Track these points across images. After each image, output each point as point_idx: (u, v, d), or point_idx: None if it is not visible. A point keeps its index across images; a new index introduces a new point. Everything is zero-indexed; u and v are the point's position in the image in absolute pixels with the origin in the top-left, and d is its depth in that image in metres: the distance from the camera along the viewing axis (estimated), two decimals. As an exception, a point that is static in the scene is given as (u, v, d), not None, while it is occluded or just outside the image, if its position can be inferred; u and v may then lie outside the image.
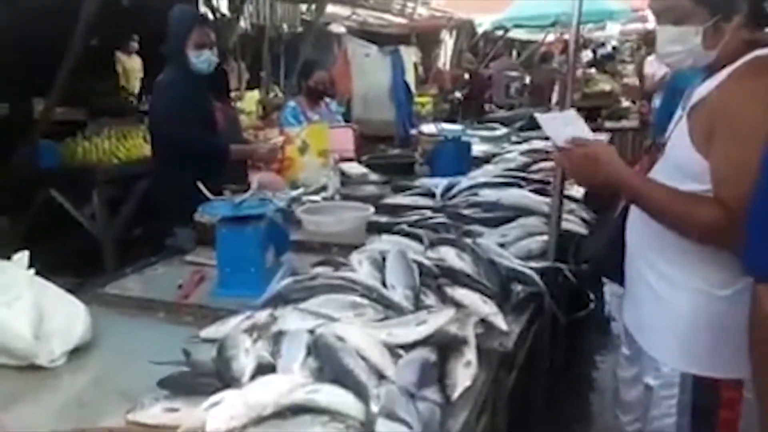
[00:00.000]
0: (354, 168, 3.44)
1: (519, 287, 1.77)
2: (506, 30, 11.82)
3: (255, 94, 8.25)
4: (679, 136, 1.49)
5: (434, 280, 1.66)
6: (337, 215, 2.39)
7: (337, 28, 9.06)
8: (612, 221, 1.75)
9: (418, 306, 1.50)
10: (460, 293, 1.63)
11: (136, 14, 5.18)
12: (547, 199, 2.58)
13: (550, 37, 12.73)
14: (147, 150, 4.43)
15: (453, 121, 7.69)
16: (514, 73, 9.69)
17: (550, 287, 1.88)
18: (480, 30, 11.27)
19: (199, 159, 2.75)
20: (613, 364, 2.06)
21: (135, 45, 6.70)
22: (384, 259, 1.70)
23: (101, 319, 1.66)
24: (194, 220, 2.20)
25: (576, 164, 1.54)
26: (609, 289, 3.45)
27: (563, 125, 1.59)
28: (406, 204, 2.79)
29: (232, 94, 6.79)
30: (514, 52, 14.55)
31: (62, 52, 3.85)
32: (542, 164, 3.43)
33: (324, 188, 3.07)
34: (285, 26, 8.62)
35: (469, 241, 2.00)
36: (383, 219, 2.54)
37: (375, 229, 2.46)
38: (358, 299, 1.45)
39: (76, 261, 4.39)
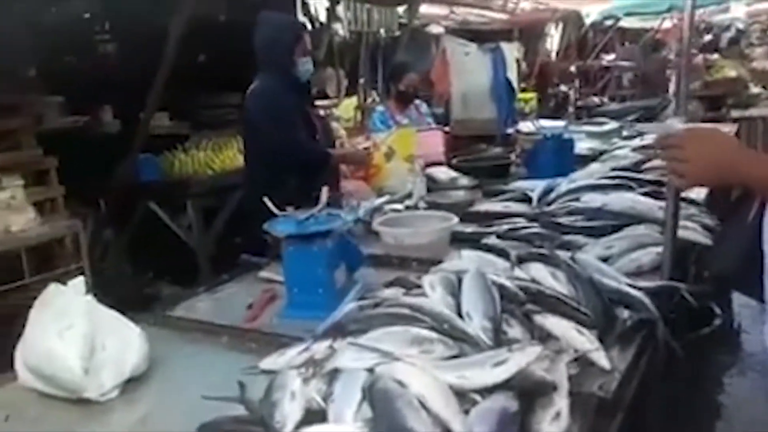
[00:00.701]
0: (443, 172, 3.23)
1: (626, 313, 1.48)
2: (617, 19, 11.05)
3: (353, 101, 8.23)
4: None
5: (520, 307, 1.41)
6: (417, 226, 2.19)
7: (436, 29, 8.85)
8: (743, 228, 1.41)
9: (499, 340, 1.27)
10: (552, 322, 1.37)
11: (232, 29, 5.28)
12: (662, 204, 2.24)
13: (667, 24, 11.77)
14: (241, 161, 4.49)
15: (558, 117, 7.26)
16: (626, 64, 9.02)
17: (664, 310, 1.57)
18: (588, 21, 10.59)
19: (303, 166, 2.82)
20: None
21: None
22: (460, 280, 1.48)
23: (162, 344, 1.57)
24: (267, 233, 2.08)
25: (692, 148, 1.19)
26: (737, 298, 2.98)
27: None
28: (497, 211, 2.54)
29: (331, 101, 6.79)
30: (626, 43, 13.62)
31: (169, 69, 3.95)
32: (657, 161, 3.04)
33: (409, 195, 2.89)
34: (383, 31, 8.55)
35: (565, 255, 1.73)
36: (469, 229, 2.31)
37: (460, 240, 2.24)
38: (426, 333, 1.23)
39: (175, 272, 4.52)
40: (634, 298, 1.48)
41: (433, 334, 1.23)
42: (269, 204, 1.78)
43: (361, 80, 8.48)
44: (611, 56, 11.79)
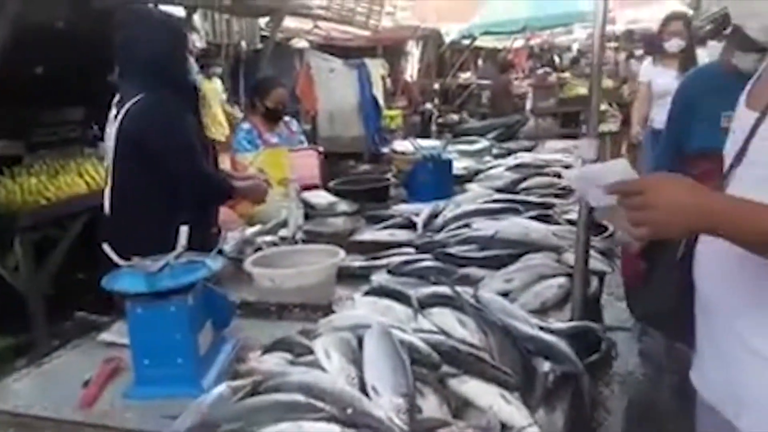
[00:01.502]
0: (320, 197, 2.95)
1: (546, 365, 1.30)
2: (474, 38, 11.50)
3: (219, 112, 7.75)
4: None
5: (434, 371, 1.17)
6: (297, 264, 1.89)
7: (300, 43, 8.60)
8: (670, 268, 1.28)
9: (414, 420, 1.02)
10: (472, 388, 1.15)
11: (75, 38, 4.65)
12: (555, 228, 2.14)
13: (518, 43, 12.46)
14: (82, 186, 3.90)
15: (426, 135, 7.30)
16: (484, 82, 9.34)
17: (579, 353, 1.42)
18: (447, 39, 10.90)
19: (201, 200, 2.30)
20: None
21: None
22: (360, 340, 1.21)
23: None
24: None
25: (654, 194, 1.00)
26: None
27: (603, 177, 1.09)
28: (383, 241, 2.32)
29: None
30: (480, 61, 14.26)
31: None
32: (533, 180, 3.00)
33: (284, 225, 2.58)
34: (244, 44, 8.15)
35: (467, 294, 1.53)
36: (357, 263, 2.06)
37: (347, 276, 1.98)
38: (326, 428, 0.95)
39: (2, 321, 3.82)
40: (555, 348, 1.31)
41: (335, 428, 0.95)
42: (108, 251, 1.40)
43: (224, 95, 8.01)
44: (468, 74, 12.25)
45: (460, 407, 1.16)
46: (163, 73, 2.21)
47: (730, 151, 1.21)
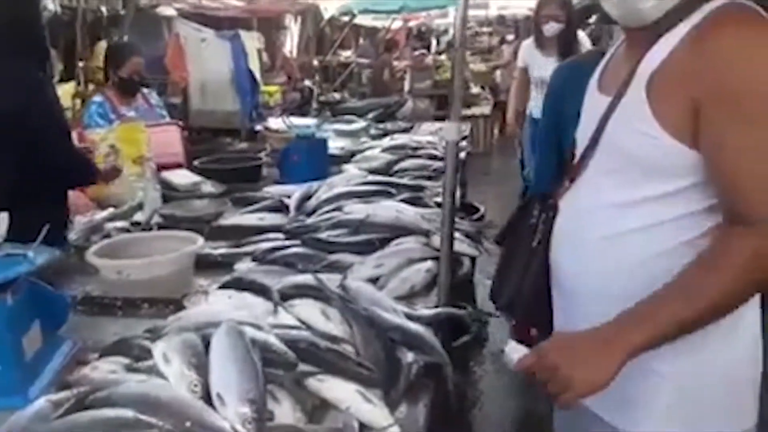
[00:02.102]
0: (182, 176, 2.74)
1: (410, 356, 1.25)
2: (353, 16, 11.39)
3: (70, 87, 7.05)
4: (626, 120, 1.06)
5: (290, 370, 1.08)
6: (148, 253, 1.71)
7: (167, 10, 8.04)
8: (527, 256, 1.28)
9: (262, 429, 0.93)
10: (330, 388, 1.08)
11: None
12: (424, 211, 2.12)
13: (396, 24, 12.51)
14: None
15: (304, 114, 7.11)
16: (364, 61, 9.29)
17: (443, 339, 1.40)
18: (326, 15, 10.69)
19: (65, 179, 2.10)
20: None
21: None
22: (208, 342, 1.09)
23: None
24: None
25: (555, 354, 0.98)
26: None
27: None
28: (251, 225, 2.18)
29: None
30: (361, 40, 14.20)
31: None
32: (408, 162, 2.99)
33: (140, 208, 2.36)
34: (104, 9, 7.49)
35: (335, 282, 1.46)
36: (219, 251, 1.92)
37: (207, 266, 1.83)
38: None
39: None
40: (419, 338, 1.26)
41: (170, 445, 0.84)
42: None
43: (80, 63, 7.33)
44: (348, 53, 12.14)
45: (318, 410, 1.08)
46: (18, 36, 1.94)
47: (582, 138, 1.21)
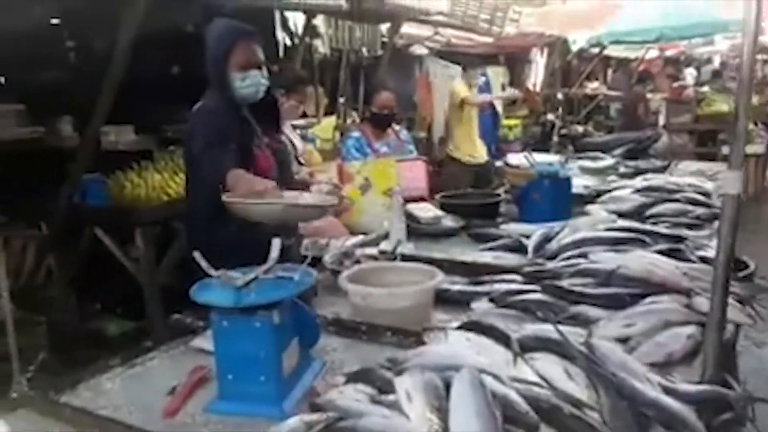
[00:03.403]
0: (425, 210, 2.84)
1: (665, 436, 1.10)
2: (603, 47, 10.90)
3: (332, 120, 7.89)
4: None
5: (530, 430, 1.02)
6: (393, 283, 1.79)
7: (419, 50, 8.56)
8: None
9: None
10: (574, 460, 0.99)
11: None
12: (684, 266, 1.88)
13: (652, 53, 11.64)
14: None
15: (546, 148, 6.96)
16: (613, 93, 8.79)
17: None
18: (574, 48, 10.39)
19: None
20: None
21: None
22: (447, 385, 1.08)
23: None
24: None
25: None
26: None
27: None
28: (487, 263, 2.17)
29: (309, 121, 6.43)
30: (609, 71, 13.50)
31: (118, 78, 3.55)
32: (663, 207, 2.71)
33: (386, 237, 2.50)
34: (365, 50, 8.26)
35: (578, 338, 1.35)
36: (456, 287, 1.93)
37: (444, 301, 1.86)
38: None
39: (125, 305, 4.06)
40: (680, 419, 1.10)
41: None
42: (199, 260, 1.38)
43: (341, 99, 8.15)
44: (594, 84, 11.62)
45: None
46: (210, 81, 2.37)
47: None
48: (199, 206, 2.40)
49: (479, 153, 5.58)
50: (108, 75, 3.36)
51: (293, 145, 3.28)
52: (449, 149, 5.65)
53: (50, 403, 1.37)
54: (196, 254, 1.37)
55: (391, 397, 1.12)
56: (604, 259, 1.87)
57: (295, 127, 3.67)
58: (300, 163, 3.20)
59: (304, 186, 2.73)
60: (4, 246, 3.47)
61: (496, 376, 1.12)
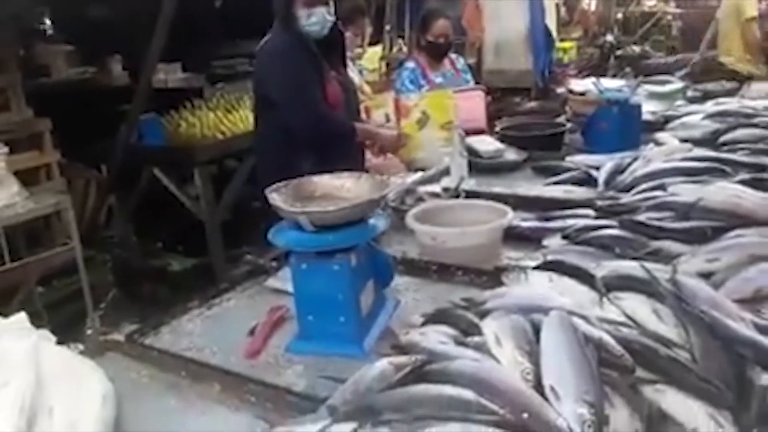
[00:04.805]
0: (485, 143, 2.76)
1: (765, 378, 1.06)
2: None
3: (378, 50, 7.69)
4: None
5: (626, 375, 1.00)
6: (462, 223, 1.76)
7: (469, -30, 8.16)
8: None
9: (601, 434, 0.87)
10: (674, 403, 0.96)
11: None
12: (772, 197, 1.78)
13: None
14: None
15: (603, 72, 6.63)
16: (675, 10, 8.24)
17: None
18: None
19: (319, 139, 2.36)
20: None
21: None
22: (535, 328, 1.06)
23: (134, 397, 1.21)
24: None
25: None
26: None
27: None
28: (556, 198, 2.11)
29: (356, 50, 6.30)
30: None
31: (170, 14, 3.50)
32: (739, 132, 2.55)
33: (447, 172, 2.45)
34: (409, -28, 7.91)
35: (663, 274, 1.30)
36: (526, 224, 1.88)
37: (514, 238, 1.82)
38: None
39: (186, 243, 4.18)
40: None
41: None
42: (275, 201, 1.37)
43: (387, 27, 7.90)
44: (652, 1, 10.90)
45: (655, 421, 0.98)
46: (277, 18, 2.38)
47: None
48: (277, 147, 2.45)
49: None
50: (161, 12, 3.32)
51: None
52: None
53: (137, 346, 1.41)
54: (273, 195, 1.35)
55: (476, 339, 1.10)
56: (683, 191, 1.78)
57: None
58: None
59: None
60: (67, 187, 3.59)
61: (585, 318, 1.09)
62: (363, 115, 2.78)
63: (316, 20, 2.33)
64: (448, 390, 0.92)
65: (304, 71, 2.34)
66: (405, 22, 8.26)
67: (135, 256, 4.19)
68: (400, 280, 1.64)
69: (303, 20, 2.32)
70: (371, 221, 1.37)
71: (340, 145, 2.41)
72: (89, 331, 1.46)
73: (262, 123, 2.57)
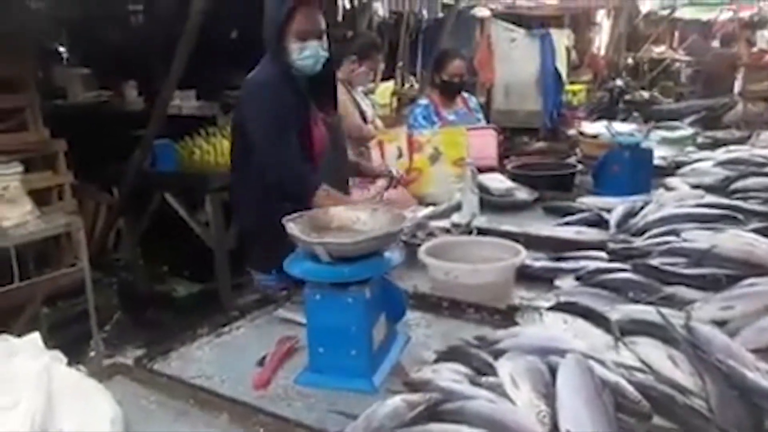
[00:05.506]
0: (496, 180, 2.78)
1: (782, 430, 1.04)
2: (674, 9, 10.35)
3: (390, 86, 7.80)
4: None
5: (642, 421, 0.99)
6: (474, 259, 1.76)
7: (481, 12, 8.32)
8: None
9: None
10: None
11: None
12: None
13: (725, 15, 10.96)
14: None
15: (611, 115, 6.70)
16: (685, 57, 8.36)
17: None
18: (643, 10, 9.91)
19: (281, 185, 2.11)
20: None
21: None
22: (552, 371, 1.05)
23: (142, 424, 1.20)
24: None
25: None
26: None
27: None
28: (568, 239, 2.11)
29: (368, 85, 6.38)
30: (676, 33, 12.82)
31: (191, 43, 3.56)
32: (750, 181, 2.56)
33: (458, 208, 2.45)
34: (425, 12, 8.09)
35: (682, 330, 1.29)
36: (539, 263, 1.88)
37: (526, 277, 1.81)
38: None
39: (193, 268, 4.18)
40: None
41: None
42: (292, 230, 1.37)
43: (400, 64, 8.03)
44: (661, 48, 11.07)
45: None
46: (268, 50, 2.15)
47: None
48: (250, 183, 2.22)
49: None
50: (182, 38, 3.38)
51: (362, 111, 3.25)
52: None
53: (146, 371, 1.40)
54: (290, 225, 1.36)
55: (491, 380, 1.09)
56: (697, 238, 1.78)
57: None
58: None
59: (357, 169, 2.66)
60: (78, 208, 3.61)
61: (601, 362, 1.08)
62: (375, 150, 2.80)
63: (309, 54, 2.11)
64: (464, 431, 0.90)
65: (287, 110, 2.11)
66: (417, 60, 8.39)
67: (141, 280, 4.19)
68: (410, 315, 1.63)
69: (295, 54, 2.10)
70: (387, 254, 1.37)
71: (298, 196, 2.04)
72: (92, 354, 1.45)
73: (238, 158, 2.30)
